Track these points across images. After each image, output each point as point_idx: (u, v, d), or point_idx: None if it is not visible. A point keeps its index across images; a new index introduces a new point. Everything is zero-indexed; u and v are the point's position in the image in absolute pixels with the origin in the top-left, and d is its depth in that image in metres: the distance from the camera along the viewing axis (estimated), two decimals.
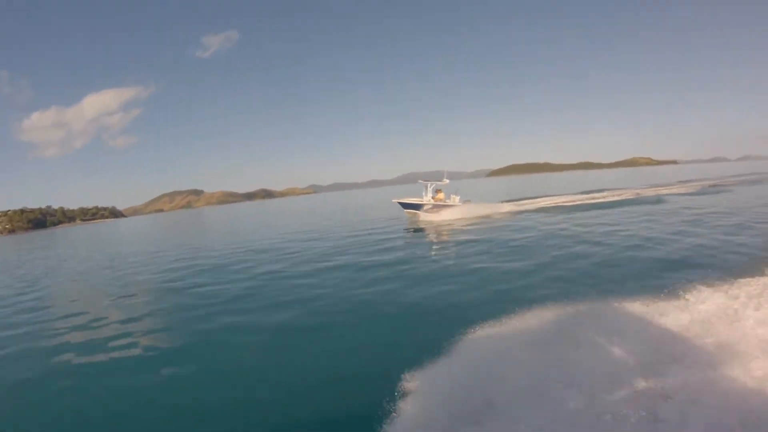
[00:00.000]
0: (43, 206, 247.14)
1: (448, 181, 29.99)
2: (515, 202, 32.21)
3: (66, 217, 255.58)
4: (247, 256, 19.81)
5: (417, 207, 29.26)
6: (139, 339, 9.41)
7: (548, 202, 31.26)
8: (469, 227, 22.47)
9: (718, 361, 4.99)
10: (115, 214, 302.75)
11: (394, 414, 4.95)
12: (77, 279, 20.14)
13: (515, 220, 23.86)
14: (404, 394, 5.31)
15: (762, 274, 8.55)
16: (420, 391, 5.37)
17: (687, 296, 7.28)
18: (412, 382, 5.57)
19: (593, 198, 31.77)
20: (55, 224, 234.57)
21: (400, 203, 30.81)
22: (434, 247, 18.12)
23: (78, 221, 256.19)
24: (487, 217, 26.14)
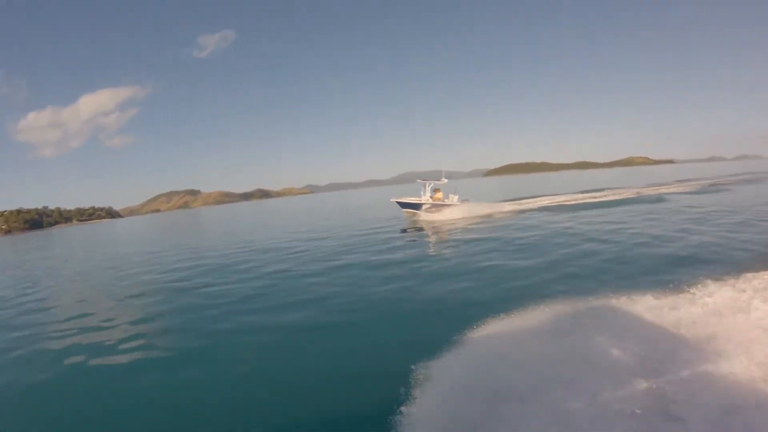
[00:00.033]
0: (40, 207, 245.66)
1: (446, 180, 29.91)
2: (515, 202, 32.32)
3: (62, 217, 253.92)
4: (251, 255, 19.81)
5: (416, 206, 29.24)
6: (154, 340, 9.30)
7: (548, 201, 31.40)
8: (472, 226, 22.54)
9: (729, 351, 5.19)
10: (111, 214, 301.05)
11: (420, 401, 5.09)
12: (80, 279, 20.05)
13: (518, 219, 23.95)
14: (431, 383, 5.42)
15: (767, 269, 8.76)
16: (448, 380, 5.50)
17: (696, 290, 7.62)
18: (438, 372, 5.69)
19: (594, 197, 31.96)
20: (51, 225, 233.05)
21: (398, 203, 30.76)
22: (442, 245, 18.15)
23: (75, 222, 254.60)
24: (489, 216, 26.19)
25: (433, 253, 16.24)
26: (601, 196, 31.88)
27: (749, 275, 8.32)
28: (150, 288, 15.36)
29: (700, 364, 4.94)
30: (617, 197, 30.55)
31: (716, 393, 4.41)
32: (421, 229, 23.75)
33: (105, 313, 12.25)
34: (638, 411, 4.19)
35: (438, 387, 5.38)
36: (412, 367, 5.89)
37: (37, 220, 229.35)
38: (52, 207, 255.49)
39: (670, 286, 7.96)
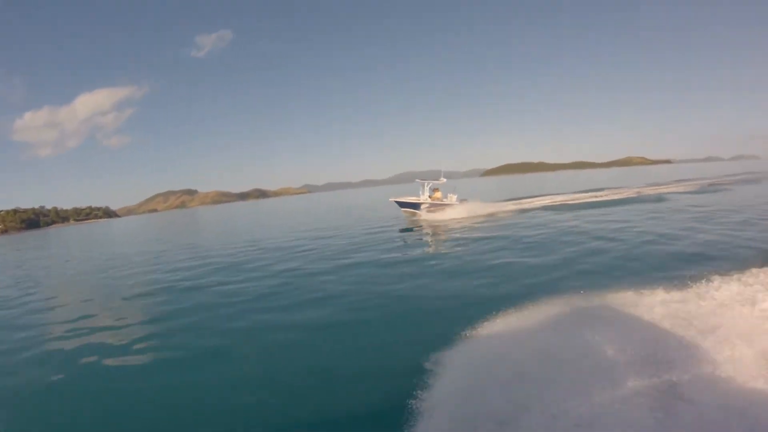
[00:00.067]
0: (37, 206, 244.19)
1: (445, 180, 29.90)
2: (515, 201, 32.46)
3: (59, 217, 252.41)
4: (259, 254, 19.81)
5: (415, 206, 29.23)
6: (168, 339, 9.21)
7: (549, 201, 31.57)
8: (477, 225, 22.64)
9: (735, 342, 5.35)
10: (108, 214, 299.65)
11: (431, 396, 5.22)
12: (82, 279, 19.89)
13: (522, 218, 24.06)
14: (444, 379, 5.57)
15: None
16: (466, 373, 5.68)
17: (705, 285, 7.80)
18: (458, 363, 5.89)
19: (596, 196, 32.17)
20: (48, 224, 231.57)
21: (397, 202, 30.72)
22: (450, 243, 18.21)
23: (71, 221, 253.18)
24: (491, 215, 26.23)
25: (443, 251, 16.32)
26: (602, 196, 32.13)
27: (755, 270, 8.55)
28: (156, 287, 15.16)
29: (709, 357, 5.09)
30: (618, 197, 30.80)
31: (723, 387, 4.53)
32: (425, 228, 23.76)
33: (114, 312, 12.17)
34: (648, 403, 4.30)
35: (454, 383, 5.46)
36: (426, 364, 5.99)
37: (33, 220, 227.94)
38: (48, 207, 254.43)
39: (680, 281, 8.15)
